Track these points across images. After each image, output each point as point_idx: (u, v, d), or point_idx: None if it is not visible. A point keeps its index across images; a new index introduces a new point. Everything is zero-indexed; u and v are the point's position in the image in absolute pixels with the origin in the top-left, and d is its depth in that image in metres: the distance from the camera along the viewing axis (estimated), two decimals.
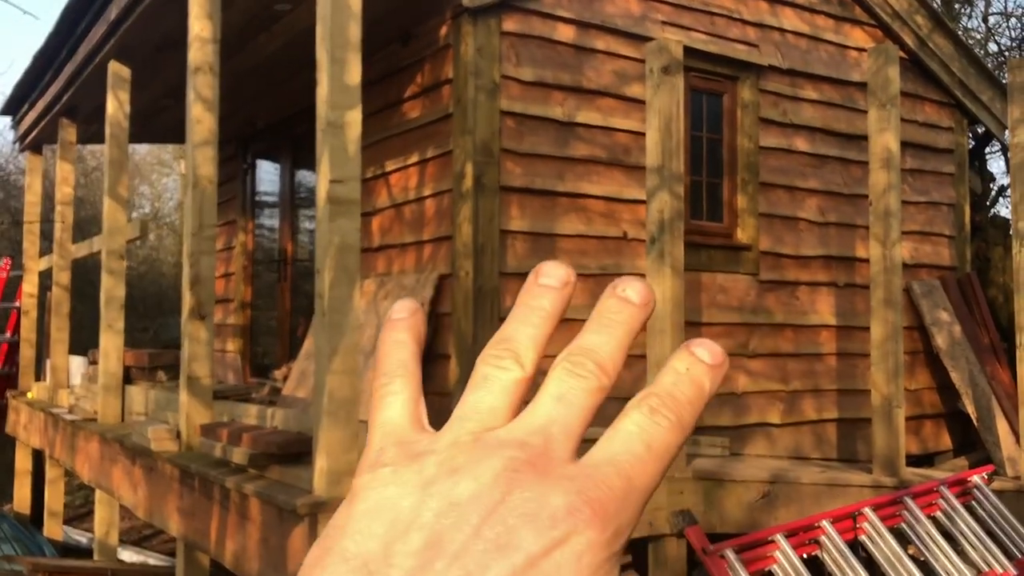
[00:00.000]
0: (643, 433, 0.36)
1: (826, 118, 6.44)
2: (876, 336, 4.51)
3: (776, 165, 6.16)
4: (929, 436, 6.84)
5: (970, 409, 6.33)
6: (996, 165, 11.19)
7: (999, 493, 4.64)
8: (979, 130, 8.15)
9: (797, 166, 6.27)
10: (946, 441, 6.91)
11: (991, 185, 9.42)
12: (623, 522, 0.34)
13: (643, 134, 4.68)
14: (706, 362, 0.38)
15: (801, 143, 6.30)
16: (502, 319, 5.00)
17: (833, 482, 4.27)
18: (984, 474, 4.71)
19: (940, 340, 6.56)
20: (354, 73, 3.10)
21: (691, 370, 0.38)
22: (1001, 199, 10.15)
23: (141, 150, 20.54)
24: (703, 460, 4.39)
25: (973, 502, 4.52)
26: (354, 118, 3.09)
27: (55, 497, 7.21)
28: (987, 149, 9.29)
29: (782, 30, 6.27)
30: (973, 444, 6.72)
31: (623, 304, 0.39)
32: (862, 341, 5.99)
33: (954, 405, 6.70)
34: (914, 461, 6.36)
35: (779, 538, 3.85)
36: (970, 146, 7.53)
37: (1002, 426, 6.17)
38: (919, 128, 6.95)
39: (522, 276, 5.11)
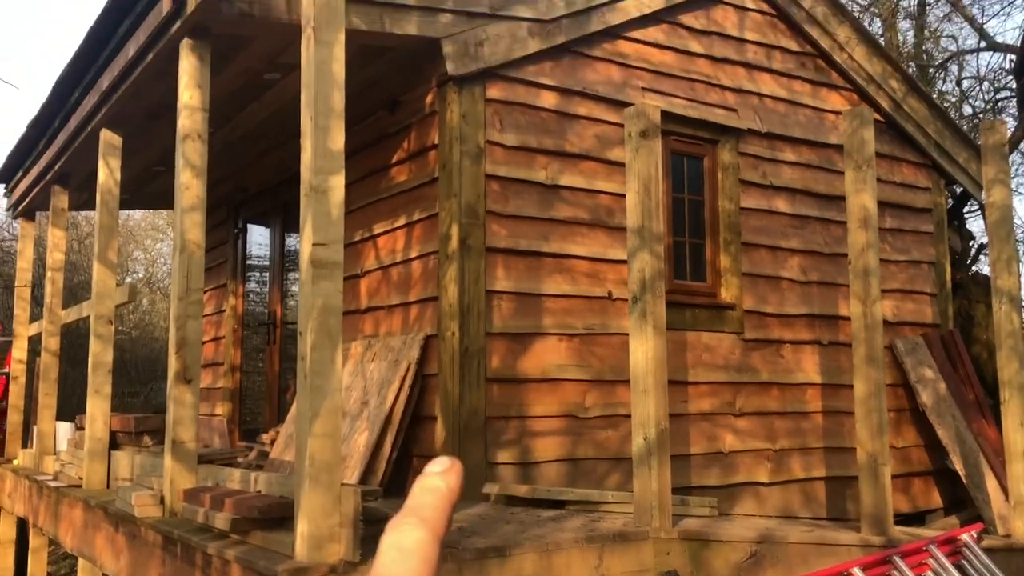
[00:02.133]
0: (389, 539, 0.46)
1: (805, 179, 6.57)
2: (859, 393, 4.54)
3: (758, 225, 6.26)
4: (919, 494, 6.82)
5: (958, 467, 6.33)
6: (976, 224, 11.34)
7: (989, 551, 4.62)
8: (957, 190, 8.30)
9: (778, 226, 6.38)
10: (936, 499, 6.89)
11: (971, 244, 9.55)
12: None
13: (625, 196, 4.77)
14: (435, 471, 0.49)
15: (782, 204, 6.41)
16: (489, 379, 5.04)
17: (821, 541, 4.25)
18: (974, 532, 4.69)
19: (925, 397, 6.59)
20: (337, 139, 3.18)
21: (423, 482, 0.49)
22: (981, 257, 10.28)
23: (136, 216, 20.70)
24: (691, 520, 4.37)
25: (963, 561, 4.49)
26: (337, 183, 3.16)
27: (38, 567, 7.10)
28: (966, 209, 9.44)
29: (760, 95, 6.43)
30: (963, 502, 6.69)
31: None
32: (848, 399, 6.01)
33: (942, 463, 6.70)
34: (904, 520, 6.33)
35: None
36: (948, 205, 7.66)
37: (991, 483, 6.16)
38: (897, 188, 7.09)
39: (508, 336, 5.16)
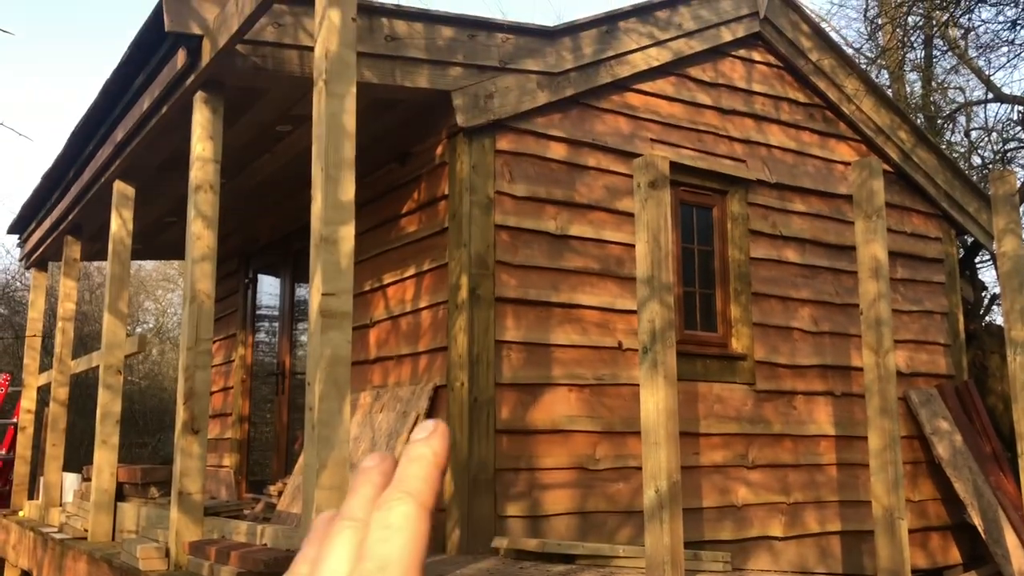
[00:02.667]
0: (376, 517, 0.43)
1: (815, 229, 6.56)
2: (874, 445, 4.47)
3: (768, 275, 6.25)
4: (937, 549, 6.68)
5: (977, 521, 6.21)
6: (988, 275, 11.31)
7: None
8: (968, 240, 8.28)
9: (789, 276, 6.36)
10: (955, 555, 6.75)
11: (984, 294, 9.50)
12: None
13: (634, 246, 4.77)
14: (419, 438, 0.46)
15: (791, 254, 6.40)
16: (498, 431, 4.99)
17: None
18: None
19: (941, 450, 6.49)
20: (348, 190, 3.20)
21: (408, 451, 0.46)
22: (994, 308, 10.21)
23: (147, 266, 20.83)
24: None
25: None
26: (347, 233, 3.17)
27: None
28: (977, 259, 9.41)
29: (769, 145, 6.46)
30: (982, 557, 6.55)
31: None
32: (862, 451, 5.93)
33: (960, 517, 6.57)
34: None
35: None
36: (960, 255, 7.64)
37: (1011, 538, 6.03)
38: (908, 238, 7.07)
39: (518, 387, 5.13)
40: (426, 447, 0.45)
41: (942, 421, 6.65)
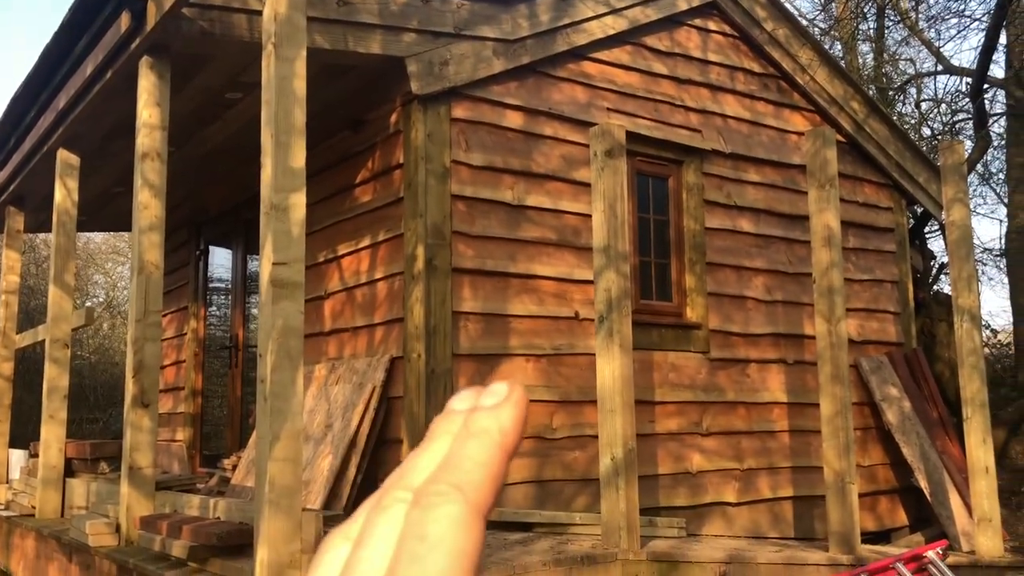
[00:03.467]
0: (411, 519, 0.32)
1: (769, 199, 6.61)
2: (825, 412, 4.54)
3: (722, 245, 6.28)
4: (885, 512, 6.84)
5: (923, 484, 6.36)
6: (937, 244, 11.54)
7: (954, 568, 4.63)
8: (918, 210, 8.42)
9: (743, 246, 6.41)
10: (902, 517, 6.92)
11: (932, 263, 9.69)
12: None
13: (591, 216, 4.75)
14: (488, 403, 0.35)
15: (746, 224, 6.44)
16: None
17: (790, 561, 4.23)
18: (939, 549, 4.70)
19: (891, 415, 6.63)
20: (298, 157, 3.13)
21: (468, 422, 0.34)
22: (942, 276, 10.43)
23: (96, 239, 20.37)
24: (659, 541, 4.33)
25: None
26: (298, 201, 3.10)
27: None
28: (927, 228, 9.58)
29: (724, 116, 6.48)
30: (928, 519, 6.73)
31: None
32: (814, 418, 6.03)
33: (908, 480, 6.73)
34: (871, 538, 6.34)
35: None
36: (910, 225, 7.76)
37: (955, 500, 6.20)
38: (860, 208, 7.16)
39: (475, 357, 5.11)
40: (492, 419, 0.33)
41: (892, 388, 6.79)
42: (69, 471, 5.44)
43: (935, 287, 9.94)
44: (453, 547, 0.30)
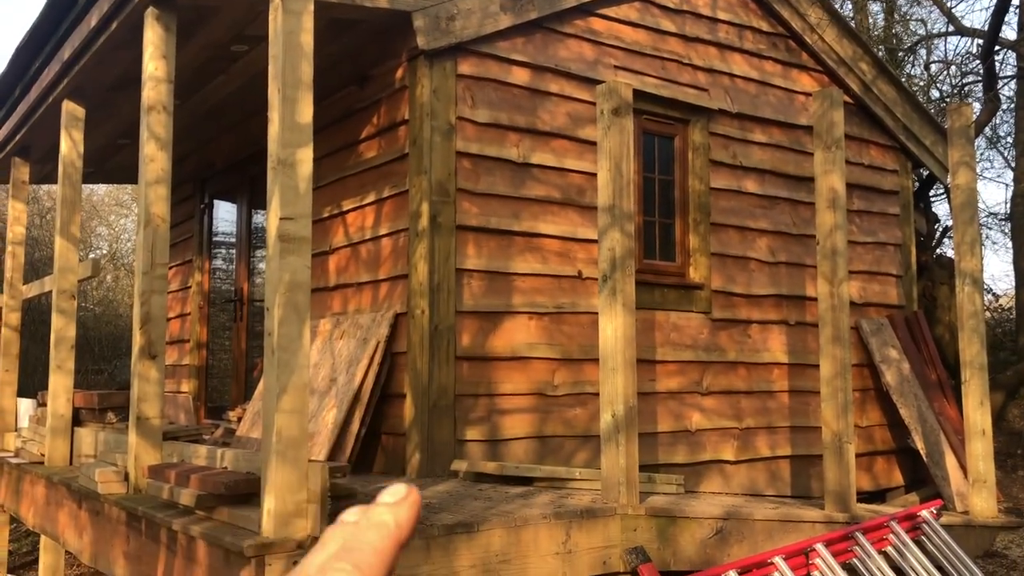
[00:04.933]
0: None
1: (775, 160, 6.60)
2: (825, 373, 4.59)
3: (727, 206, 6.29)
4: (881, 472, 6.93)
5: (920, 445, 6.44)
6: (941, 208, 11.51)
7: (948, 527, 4.71)
8: (923, 173, 8.39)
9: (747, 207, 6.41)
10: (897, 477, 7.01)
11: (936, 226, 9.68)
12: None
13: (596, 174, 4.76)
14: (386, 501, 0.41)
15: (751, 185, 6.44)
16: (459, 357, 5.03)
17: (786, 518, 4.30)
18: (933, 509, 4.78)
19: (889, 377, 6.68)
20: (305, 111, 3.13)
21: (368, 514, 0.41)
22: (946, 240, 10.42)
23: (100, 191, 20.34)
24: (657, 497, 4.40)
25: (922, 537, 4.58)
26: (305, 156, 3.11)
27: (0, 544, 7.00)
28: (932, 192, 9.55)
29: (732, 75, 6.44)
30: (923, 480, 6.82)
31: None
32: (814, 379, 6.08)
33: (904, 442, 6.81)
34: (867, 497, 6.43)
35: (732, 575, 3.87)
36: (915, 188, 7.75)
37: (951, 461, 6.27)
38: (865, 170, 7.15)
39: (478, 315, 5.15)
40: (390, 515, 0.40)
41: (891, 350, 6.84)
42: (77, 421, 5.52)
43: (938, 251, 9.94)
44: None
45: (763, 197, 6.50)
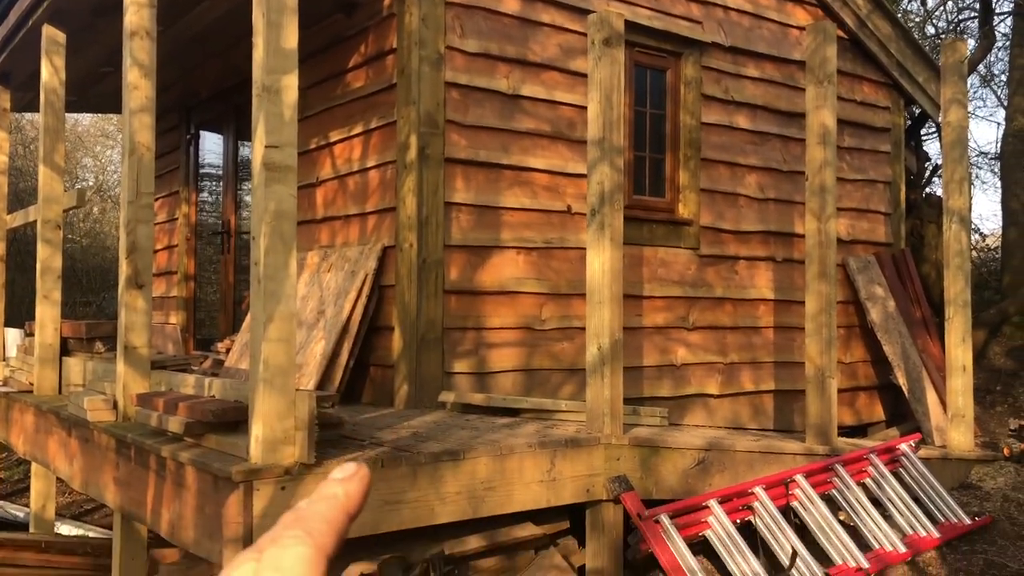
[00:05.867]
0: (267, 556, 0.40)
1: (767, 96, 6.54)
2: (810, 309, 4.62)
3: (718, 142, 6.25)
4: (863, 408, 7.04)
5: (902, 381, 6.53)
6: (932, 147, 11.47)
7: (926, 461, 4.81)
8: (915, 111, 8.34)
9: (738, 143, 6.37)
10: (879, 412, 7.12)
11: (926, 165, 9.66)
12: None
13: (586, 108, 4.70)
14: (335, 477, 0.44)
15: (742, 120, 6.39)
16: (447, 291, 5.03)
17: (767, 450, 4.38)
18: (912, 442, 4.88)
19: (874, 314, 6.74)
20: (290, 37, 3.07)
21: (320, 488, 0.44)
22: (935, 179, 10.41)
23: (84, 121, 20.04)
24: (641, 429, 4.47)
25: (901, 469, 4.68)
26: (290, 83, 3.07)
27: None
28: (923, 130, 9.51)
29: (725, 8, 6.34)
30: (904, 415, 6.93)
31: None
32: (799, 315, 6.13)
33: (887, 378, 6.90)
34: (848, 432, 6.55)
35: (713, 504, 3.95)
36: (906, 126, 7.70)
37: (931, 397, 6.37)
38: (857, 107, 7.10)
39: (466, 249, 5.14)
40: (339, 487, 0.43)
41: (877, 287, 6.89)
42: (65, 350, 5.53)
43: (927, 189, 9.94)
44: None
45: (754, 133, 6.46)
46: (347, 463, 0.45)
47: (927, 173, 9.90)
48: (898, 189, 7.41)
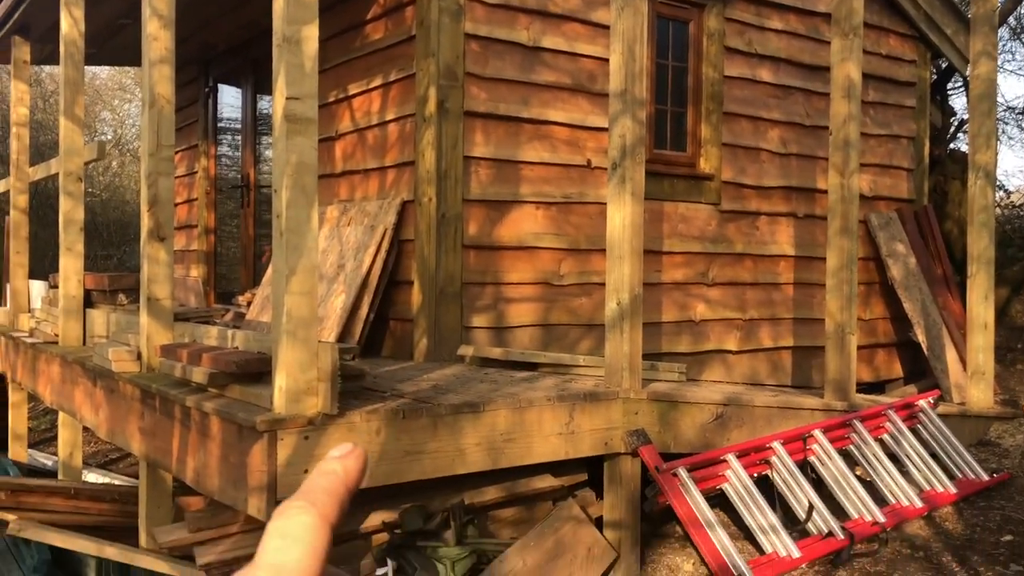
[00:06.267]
0: (274, 525, 0.43)
1: (791, 49, 6.43)
2: (831, 264, 4.59)
3: (740, 95, 6.17)
4: (882, 364, 7.03)
5: (921, 338, 6.50)
6: (958, 101, 11.27)
7: (944, 417, 4.81)
8: (942, 64, 8.19)
9: (761, 97, 6.29)
10: (897, 369, 7.11)
11: (951, 120, 9.51)
12: None
13: (608, 60, 4.65)
14: (334, 455, 0.47)
15: (766, 73, 6.30)
16: (465, 246, 5.04)
17: (785, 405, 4.39)
18: (930, 399, 4.87)
19: (895, 271, 6.70)
20: None
21: (319, 465, 0.47)
22: (960, 134, 10.25)
23: (102, 75, 20.01)
24: (659, 384, 4.48)
25: (918, 425, 4.68)
26: (311, 33, 3.04)
27: (19, 420, 7.20)
28: (949, 84, 9.34)
29: None
30: (923, 372, 6.92)
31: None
32: (819, 271, 6.10)
33: (906, 335, 6.88)
34: (866, 388, 6.55)
35: (730, 458, 3.98)
36: (932, 80, 7.57)
37: (951, 354, 6.35)
38: (883, 60, 6.97)
39: (485, 203, 5.13)
40: (338, 463, 0.46)
41: (899, 244, 6.83)
42: (88, 302, 5.59)
43: (952, 145, 9.79)
44: (310, 544, 0.42)
45: (777, 87, 6.37)
46: (344, 443, 0.49)
47: (952, 128, 9.75)
48: (922, 144, 7.31)
